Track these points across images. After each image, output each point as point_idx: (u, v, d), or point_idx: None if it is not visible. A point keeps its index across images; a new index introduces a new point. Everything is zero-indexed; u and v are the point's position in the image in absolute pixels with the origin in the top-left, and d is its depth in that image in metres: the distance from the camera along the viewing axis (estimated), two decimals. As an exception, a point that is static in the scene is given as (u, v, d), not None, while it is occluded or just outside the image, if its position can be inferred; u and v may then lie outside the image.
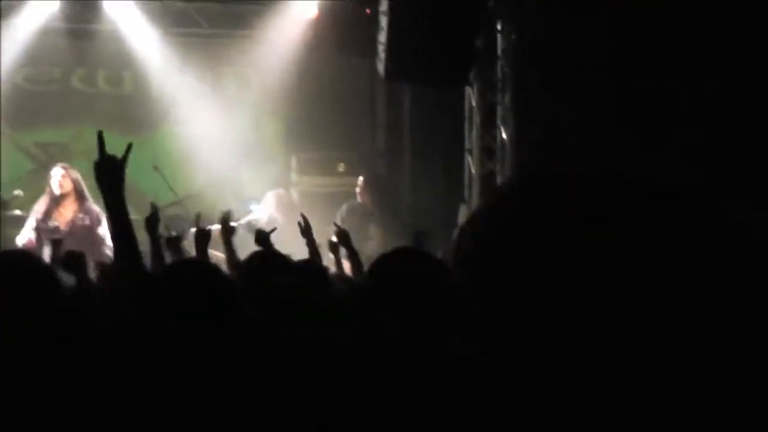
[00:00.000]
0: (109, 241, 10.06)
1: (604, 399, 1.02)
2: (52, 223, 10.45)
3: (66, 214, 10.65)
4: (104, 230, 10.28)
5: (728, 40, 10.39)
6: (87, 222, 10.46)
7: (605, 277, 1.03)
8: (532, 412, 1.05)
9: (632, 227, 1.05)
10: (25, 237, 10.50)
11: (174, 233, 7.42)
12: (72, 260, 5.76)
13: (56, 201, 10.78)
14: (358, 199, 11.56)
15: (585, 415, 1.03)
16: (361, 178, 11.82)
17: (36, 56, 13.63)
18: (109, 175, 4.35)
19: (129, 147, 4.51)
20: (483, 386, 1.07)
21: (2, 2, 12.76)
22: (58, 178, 10.91)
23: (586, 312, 1.02)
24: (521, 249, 1.09)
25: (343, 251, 7.23)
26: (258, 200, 12.60)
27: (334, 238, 7.40)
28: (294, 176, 13.36)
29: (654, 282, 1.02)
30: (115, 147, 12.64)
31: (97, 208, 10.52)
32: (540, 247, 1.07)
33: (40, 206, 10.81)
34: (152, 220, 6.22)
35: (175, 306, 3.36)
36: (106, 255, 10.03)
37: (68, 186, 10.66)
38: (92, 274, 6.65)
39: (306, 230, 7.10)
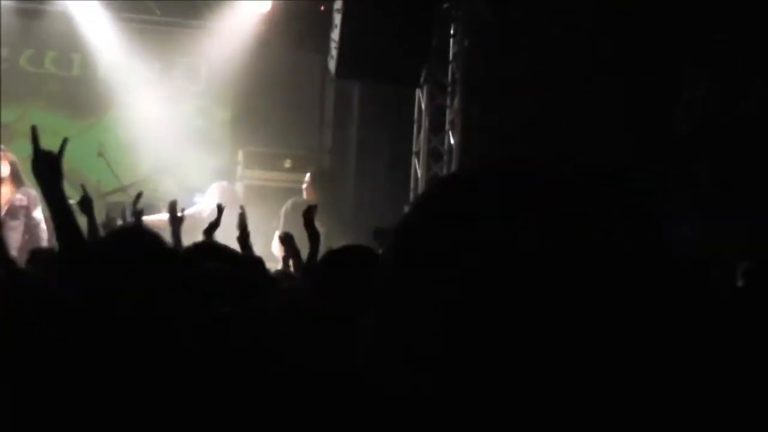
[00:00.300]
0: (43, 225, 9.99)
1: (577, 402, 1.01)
2: None
3: (3, 195, 10.47)
4: (39, 213, 10.15)
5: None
6: (24, 203, 10.29)
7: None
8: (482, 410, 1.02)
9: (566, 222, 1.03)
10: None
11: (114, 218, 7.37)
12: None
13: None
14: (304, 195, 11.51)
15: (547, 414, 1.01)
16: (308, 174, 11.78)
17: (-17, 34, 13.46)
18: (46, 170, 4.30)
19: (64, 142, 4.47)
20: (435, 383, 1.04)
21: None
22: None
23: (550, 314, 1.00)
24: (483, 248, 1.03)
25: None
26: (202, 191, 12.53)
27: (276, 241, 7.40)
28: (240, 170, 13.30)
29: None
30: (61, 130, 12.51)
31: (33, 191, 10.37)
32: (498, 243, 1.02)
33: None
34: (85, 201, 6.19)
35: (111, 269, 3.36)
36: (41, 238, 9.93)
37: (6, 169, 10.44)
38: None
39: (241, 222, 7.08)
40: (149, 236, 3.65)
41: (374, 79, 12.09)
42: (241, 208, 7.28)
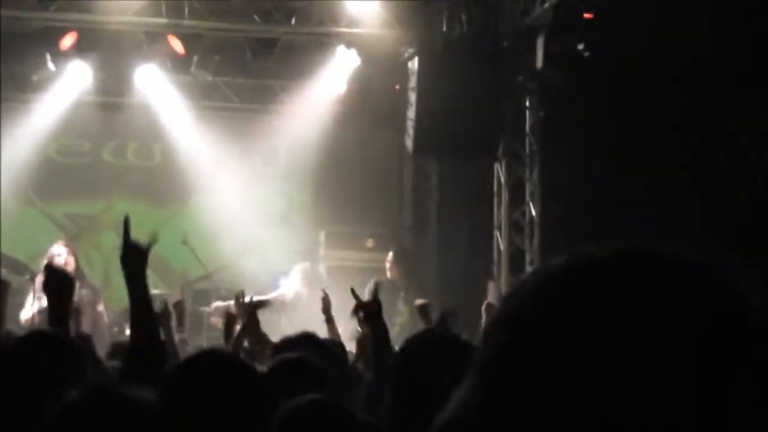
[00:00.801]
0: (105, 318, 10.10)
1: None
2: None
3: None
4: (102, 306, 10.27)
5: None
6: (90, 297, 10.33)
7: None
8: None
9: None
10: (28, 313, 10.20)
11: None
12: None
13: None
14: (388, 274, 11.51)
15: None
16: (390, 254, 11.78)
17: (67, 129, 13.76)
18: (134, 262, 4.33)
19: (154, 239, 4.47)
20: None
21: (36, 76, 12.93)
22: (64, 255, 10.58)
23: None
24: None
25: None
26: (286, 274, 12.58)
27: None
28: (322, 251, 13.34)
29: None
30: (145, 219, 12.76)
31: (95, 284, 10.50)
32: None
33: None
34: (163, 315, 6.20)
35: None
36: (104, 330, 9.99)
37: (72, 263, 10.43)
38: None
39: (325, 307, 7.08)
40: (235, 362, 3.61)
41: (451, 154, 12.12)
42: (324, 291, 7.27)
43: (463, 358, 3.18)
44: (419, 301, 7.16)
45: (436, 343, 3.49)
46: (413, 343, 3.52)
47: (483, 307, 7.97)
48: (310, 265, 12.35)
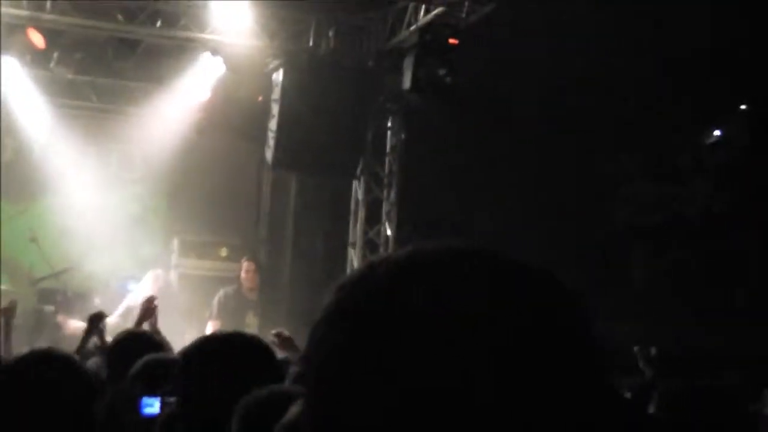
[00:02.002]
0: None
1: None
2: None
3: None
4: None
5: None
6: None
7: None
8: None
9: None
10: None
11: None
12: None
13: None
14: (243, 284, 11.42)
15: None
16: (248, 263, 11.68)
17: None
18: None
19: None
20: None
21: None
22: None
23: None
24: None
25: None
26: (136, 279, 12.40)
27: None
28: (174, 258, 13.20)
29: None
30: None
31: None
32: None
33: None
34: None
35: None
36: None
37: None
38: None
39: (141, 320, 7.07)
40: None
41: (310, 170, 12.12)
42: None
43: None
44: (279, 331, 6.99)
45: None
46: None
47: None
48: (162, 272, 12.20)
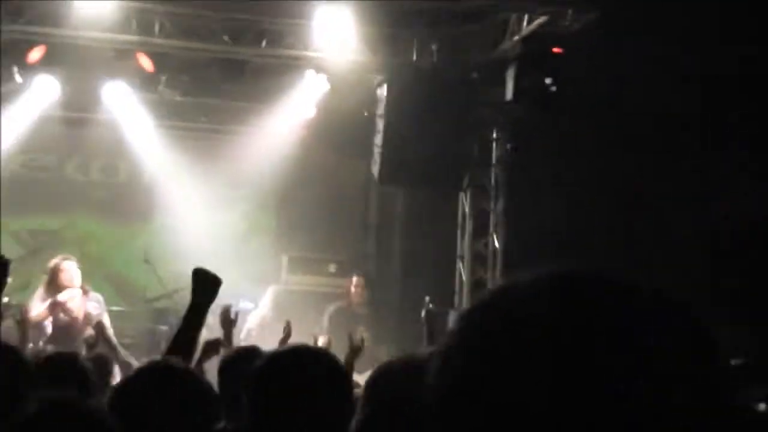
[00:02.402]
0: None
1: None
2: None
3: (76, 305, 10.10)
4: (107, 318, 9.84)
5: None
6: (98, 311, 10.06)
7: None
8: None
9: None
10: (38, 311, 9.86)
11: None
12: None
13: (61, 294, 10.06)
14: (353, 299, 11.49)
15: None
16: (358, 278, 11.75)
17: (32, 143, 13.66)
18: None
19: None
20: None
21: (2, 89, 12.83)
22: (75, 270, 10.25)
23: None
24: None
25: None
26: (246, 297, 12.54)
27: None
28: (284, 274, 13.30)
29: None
30: (106, 236, 12.55)
31: (98, 294, 10.19)
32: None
33: (41, 298, 10.06)
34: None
35: None
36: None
37: (79, 278, 10.20)
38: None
39: (286, 337, 7.12)
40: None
41: (417, 183, 12.12)
42: (288, 323, 7.26)
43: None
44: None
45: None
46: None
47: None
48: (281, 288, 12.29)
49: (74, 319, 9.76)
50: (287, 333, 7.22)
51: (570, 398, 0.98)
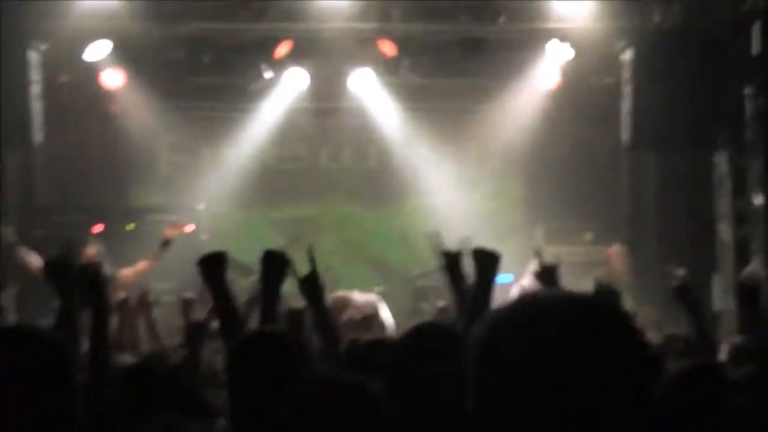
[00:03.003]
0: None
1: None
2: None
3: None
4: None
5: None
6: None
7: None
8: None
9: None
10: None
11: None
12: None
13: None
14: (614, 268, 11.37)
15: None
16: (617, 247, 11.64)
17: (284, 136, 14.14)
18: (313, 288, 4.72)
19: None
20: None
21: (253, 86, 13.31)
22: None
23: None
24: None
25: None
26: (505, 272, 12.60)
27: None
28: (540, 247, 13.26)
29: None
30: (361, 221, 12.92)
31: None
32: None
33: None
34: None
35: None
36: None
37: None
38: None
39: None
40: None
41: (669, 146, 11.88)
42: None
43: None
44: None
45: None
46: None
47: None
48: (540, 261, 12.26)
49: None
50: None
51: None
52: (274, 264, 4.68)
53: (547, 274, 5.86)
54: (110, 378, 3.88)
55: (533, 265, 11.22)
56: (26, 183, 13.38)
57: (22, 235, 11.04)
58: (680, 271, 6.79)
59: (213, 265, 4.54)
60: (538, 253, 6.30)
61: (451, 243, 5.16)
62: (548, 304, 1.62)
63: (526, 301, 1.66)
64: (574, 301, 1.64)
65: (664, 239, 12.86)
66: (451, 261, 5.12)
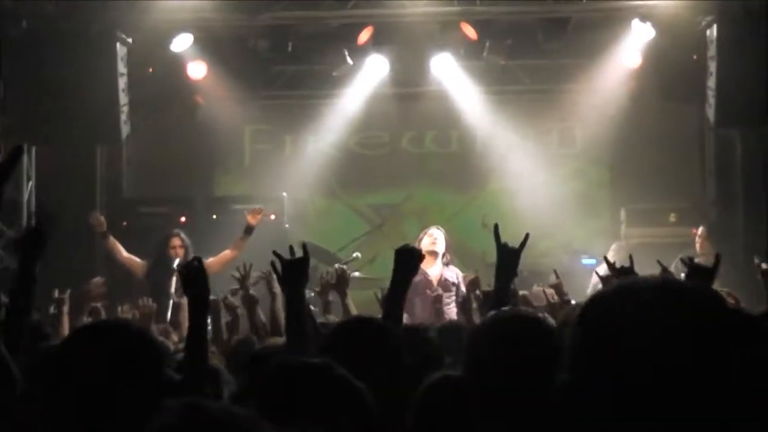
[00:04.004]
0: None
1: None
2: None
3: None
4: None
5: None
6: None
7: None
8: None
9: None
10: None
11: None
12: None
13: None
14: (697, 248, 11.21)
15: None
16: (701, 228, 11.48)
17: (367, 121, 14.17)
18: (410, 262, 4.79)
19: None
20: None
21: (335, 72, 13.35)
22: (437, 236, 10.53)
23: None
24: None
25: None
26: (588, 254, 12.53)
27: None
28: (623, 228, 13.14)
29: None
30: (445, 205, 12.86)
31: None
32: None
33: None
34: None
35: None
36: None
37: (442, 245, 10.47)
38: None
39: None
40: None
41: (756, 124, 11.65)
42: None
43: None
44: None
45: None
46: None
47: None
48: (624, 244, 12.15)
49: (429, 283, 10.04)
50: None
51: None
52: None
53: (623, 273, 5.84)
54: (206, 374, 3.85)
55: (611, 253, 11.17)
56: (114, 175, 13.63)
57: (109, 226, 11.21)
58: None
59: (294, 274, 4.49)
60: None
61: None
62: (650, 288, 1.76)
63: (628, 285, 1.79)
64: (672, 287, 1.77)
65: (751, 219, 12.64)
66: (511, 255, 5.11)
